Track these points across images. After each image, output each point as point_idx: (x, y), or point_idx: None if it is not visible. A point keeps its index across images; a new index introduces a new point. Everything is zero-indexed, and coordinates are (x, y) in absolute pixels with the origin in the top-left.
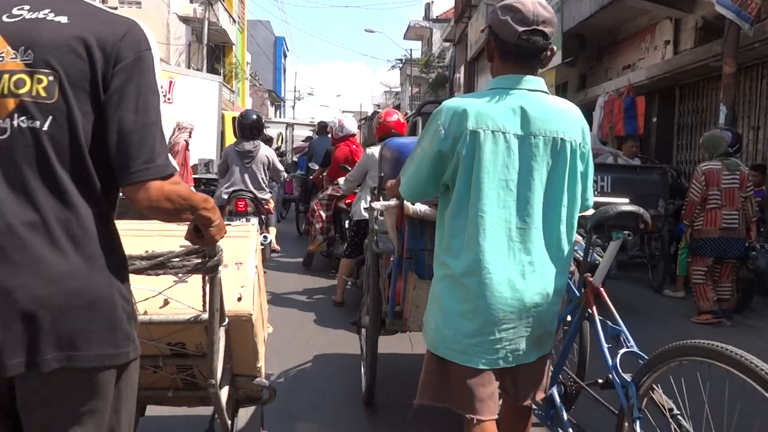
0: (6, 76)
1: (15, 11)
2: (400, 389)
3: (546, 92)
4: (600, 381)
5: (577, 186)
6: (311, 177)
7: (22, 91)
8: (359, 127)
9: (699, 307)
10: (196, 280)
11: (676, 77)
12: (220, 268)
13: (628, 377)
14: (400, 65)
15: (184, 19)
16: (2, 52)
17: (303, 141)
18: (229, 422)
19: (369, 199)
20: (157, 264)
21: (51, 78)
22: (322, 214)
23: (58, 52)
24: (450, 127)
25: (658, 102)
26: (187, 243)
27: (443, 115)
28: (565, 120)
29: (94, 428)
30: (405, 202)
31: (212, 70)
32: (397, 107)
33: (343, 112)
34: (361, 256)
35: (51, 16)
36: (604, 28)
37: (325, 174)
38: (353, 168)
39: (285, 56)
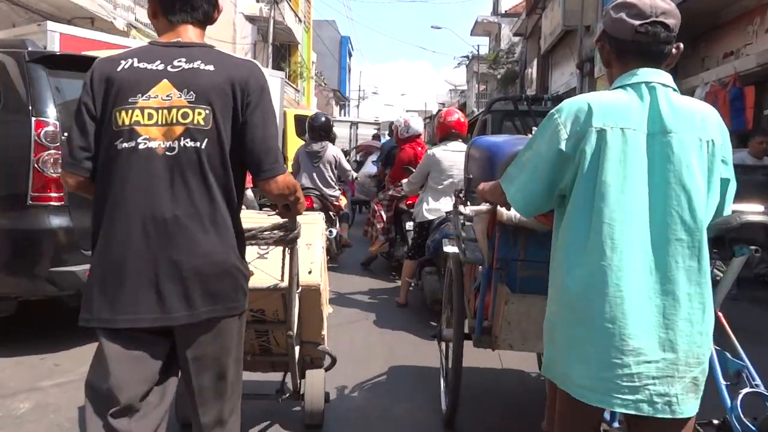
0: (175, 110)
1: (176, 63)
2: (486, 409)
3: (676, 89)
4: (715, 422)
5: (715, 192)
6: (375, 175)
7: (186, 120)
8: (425, 126)
9: None
10: (274, 256)
11: None
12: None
13: (751, 423)
14: (467, 62)
15: (250, 19)
16: (170, 93)
17: (372, 139)
18: (298, 382)
19: (431, 200)
20: (251, 236)
21: (207, 111)
22: (383, 214)
23: (211, 92)
24: (573, 126)
25: None
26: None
27: (564, 114)
28: (701, 118)
29: (226, 358)
30: (499, 207)
31: (277, 69)
32: (463, 105)
33: (407, 111)
34: (423, 258)
35: (202, 66)
36: (701, 12)
37: (387, 175)
38: (415, 169)
39: (350, 55)
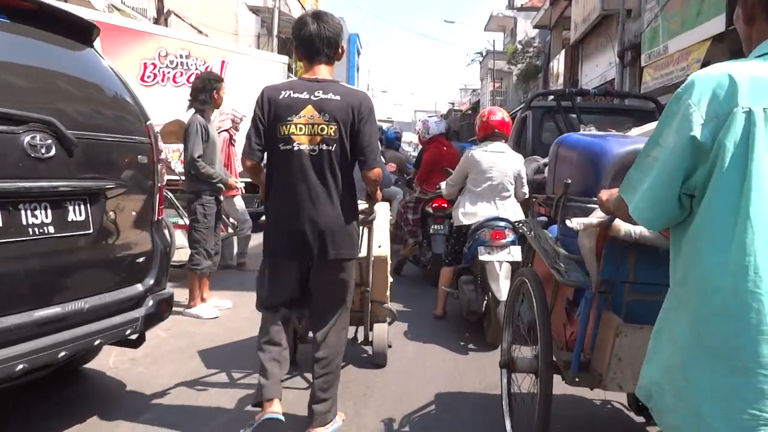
0: (316, 126)
1: (316, 93)
2: None
3: None
4: None
5: None
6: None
7: (324, 133)
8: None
9: None
10: None
11: None
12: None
13: None
14: (480, 59)
15: (254, 10)
16: (313, 114)
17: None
18: (370, 332)
19: (468, 204)
20: None
21: (336, 127)
22: (410, 217)
23: (339, 115)
24: (710, 107)
25: None
26: None
27: (696, 91)
28: None
29: (346, 288)
30: (617, 220)
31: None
32: (476, 104)
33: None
34: (460, 266)
35: (332, 96)
36: None
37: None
38: (455, 170)
39: (359, 53)
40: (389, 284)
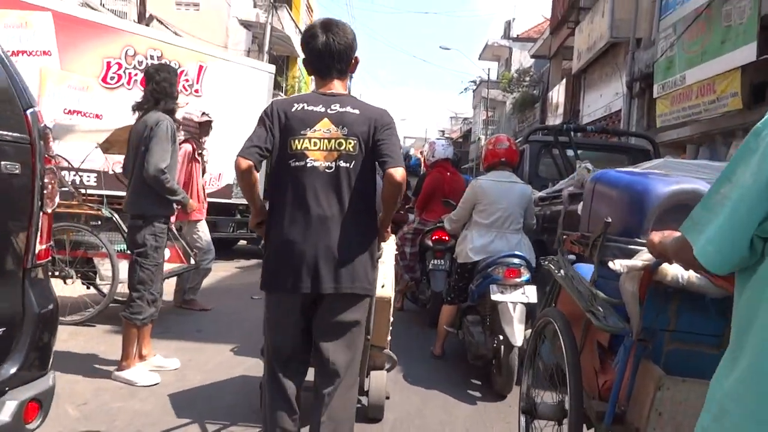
0: (333, 140)
1: (332, 107)
2: None
3: None
4: None
5: None
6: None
7: (342, 148)
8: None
9: None
10: None
11: None
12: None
13: None
14: (474, 87)
15: (245, 24)
16: (330, 128)
17: None
18: (366, 380)
19: (476, 237)
20: None
21: (355, 141)
22: (407, 250)
23: (359, 129)
24: None
25: None
26: None
27: None
28: None
29: (358, 331)
30: (664, 264)
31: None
32: (468, 132)
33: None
34: (466, 304)
35: (350, 110)
36: None
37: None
38: (459, 203)
39: (351, 77)
40: (390, 326)
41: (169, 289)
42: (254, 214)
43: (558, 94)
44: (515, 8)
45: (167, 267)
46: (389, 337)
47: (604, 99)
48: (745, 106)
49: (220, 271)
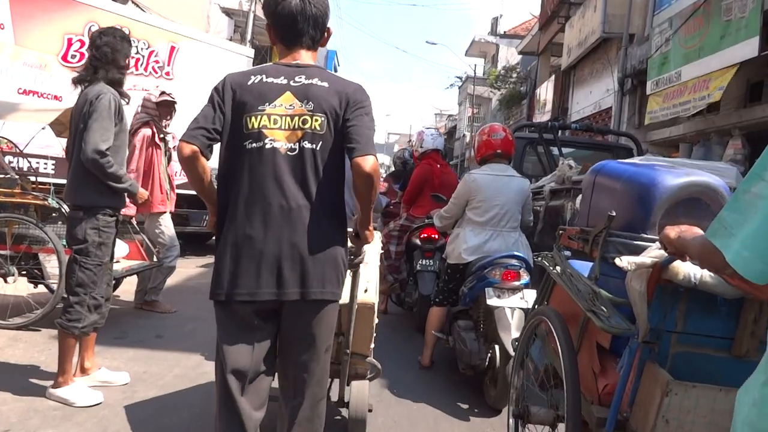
0: (297, 117)
1: (296, 78)
2: None
3: None
4: None
5: None
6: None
7: (306, 126)
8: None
9: None
10: None
11: None
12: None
13: None
14: (460, 83)
15: (227, 12)
16: (293, 104)
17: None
18: (347, 390)
19: (470, 236)
20: None
21: (322, 119)
22: (392, 249)
23: (327, 104)
24: None
25: None
26: None
27: None
28: None
29: (325, 341)
30: (676, 262)
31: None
32: (453, 129)
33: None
34: (456, 308)
35: (318, 82)
36: None
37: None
38: (450, 198)
39: (335, 70)
40: (374, 332)
41: (129, 288)
42: (212, 213)
43: (546, 91)
44: (503, 4)
45: (126, 264)
46: (372, 345)
47: (593, 96)
48: (741, 104)
49: (189, 268)
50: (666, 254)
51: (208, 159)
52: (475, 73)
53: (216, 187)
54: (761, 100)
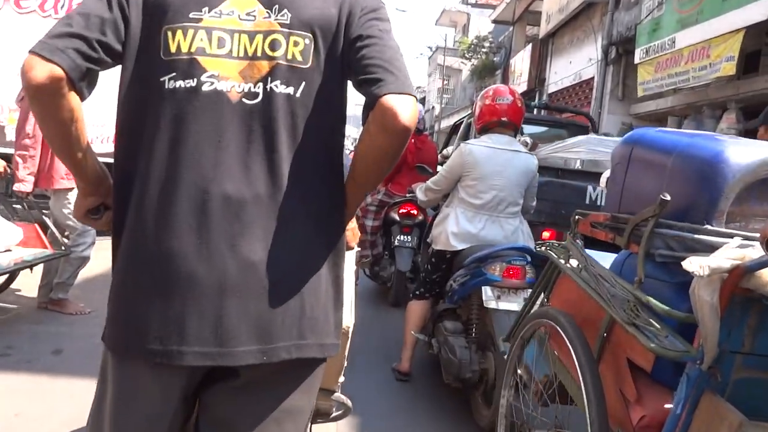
0: (260, 36)
1: None
2: None
3: None
4: None
5: None
6: None
7: (277, 53)
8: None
9: None
10: None
11: None
12: None
13: None
14: (429, 54)
15: None
16: (253, 11)
17: None
18: None
19: (462, 220)
20: None
21: (308, 41)
22: (368, 223)
23: (316, 16)
24: None
25: None
26: None
27: None
28: None
29: (303, 418)
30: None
31: None
32: (422, 101)
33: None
34: (443, 307)
35: None
36: None
37: None
38: (441, 170)
39: None
40: (344, 366)
41: (30, 281)
42: (83, 191)
43: (522, 61)
44: None
45: (22, 253)
46: (342, 378)
47: (574, 66)
48: (735, 75)
49: (109, 254)
50: (751, 256)
51: (82, 97)
52: (445, 43)
53: (111, 156)
54: (759, 71)
